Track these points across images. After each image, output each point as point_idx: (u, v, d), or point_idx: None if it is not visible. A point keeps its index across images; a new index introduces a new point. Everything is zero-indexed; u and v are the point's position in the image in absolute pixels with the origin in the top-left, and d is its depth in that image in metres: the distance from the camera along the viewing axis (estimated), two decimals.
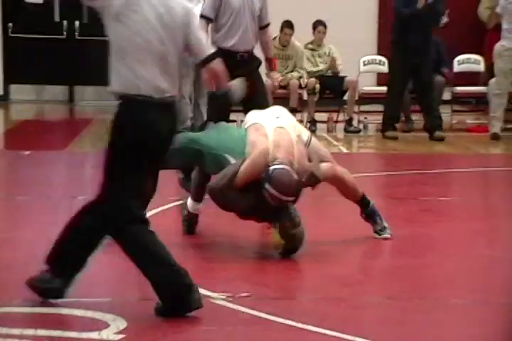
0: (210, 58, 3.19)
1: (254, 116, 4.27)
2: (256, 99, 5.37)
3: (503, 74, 8.77)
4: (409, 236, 4.51)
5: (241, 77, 5.04)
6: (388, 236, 4.32)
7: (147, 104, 3.07)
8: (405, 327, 3.08)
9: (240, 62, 5.51)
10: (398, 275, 3.86)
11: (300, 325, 3.05)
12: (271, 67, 5.91)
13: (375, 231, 4.30)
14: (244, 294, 3.38)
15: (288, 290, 3.53)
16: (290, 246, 3.91)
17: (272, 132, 4.05)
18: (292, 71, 9.50)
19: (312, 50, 9.60)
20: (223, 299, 3.36)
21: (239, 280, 3.68)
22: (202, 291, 3.43)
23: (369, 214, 4.30)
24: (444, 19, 8.64)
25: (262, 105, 5.12)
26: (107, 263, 3.99)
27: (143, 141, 3.09)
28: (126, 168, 3.10)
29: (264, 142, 4.00)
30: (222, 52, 5.13)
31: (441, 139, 8.74)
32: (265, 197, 3.82)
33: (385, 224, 4.34)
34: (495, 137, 8.86)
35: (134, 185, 3.10)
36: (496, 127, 8.90)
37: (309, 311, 3.24)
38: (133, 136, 3.09)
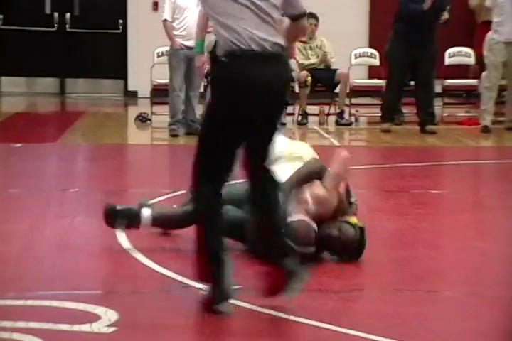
0: (304, 14, 3.20)
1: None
2: None
3: (494, 68, 8.79)
4: (400, 229, 4.52)
5: None
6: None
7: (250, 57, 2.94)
8: (396, 320, 3.09)
9: None
10: (390, 268, 3.87)
11: (292, 318, 3.05)
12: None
13: None
14: (235, 286, 3.38)
15: None
16: (344, 257, 3.79)
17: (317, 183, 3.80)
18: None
19: (304, 42, 9.58)
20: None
21: None
22: (193, 283, 3.42)
23: None
24: (445, 15, 8.61)
25: None
26: (98, 256, 3.99)
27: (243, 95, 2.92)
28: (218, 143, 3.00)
29: (317, 184, 3.79)
30: None
31: (432, 133, 8.76)
32: None
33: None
34: (485, 130, 8.88)
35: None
36: (487, 120, 8.92)
37: (301, 304, 3.24)
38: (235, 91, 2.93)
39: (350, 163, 3.98)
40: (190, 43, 7.99)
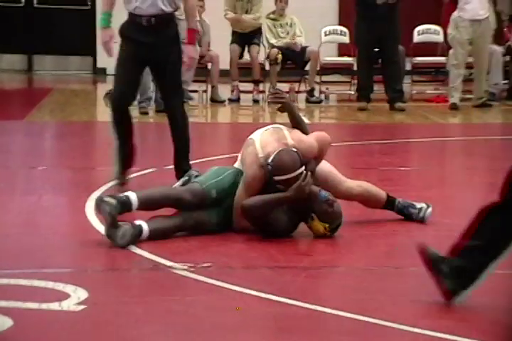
0: None
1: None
2: (165, 76, 4.72)
3: (460, 45, 8.84)
4: None
5: (149, 45, 4.52)
6: (429, 212, 4.19)
7: None
8: (363, 295, 3.12)
9: (146, 28, 4.66)
10: (357, 245, 3.90)
11: (262, 295, 3.07)
12: (186, 40, 4.80)
13: (418, 220, 4.19)
14: (206, 264, 3.39)
15: (249, 260, 3.54)
16: (335, 224, 3.86)
17: (258, 137, 3.96)
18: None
19: (274, 20, 9.53)
20: (185, 269, 3.37)
21: (200, 251, 3.68)
22: (163, 262, 3.43)
23: (400, 211, 4.20)
24: None
25: (171, 85, 4.68)
26: (67, 233, 3.97)
27: None
28: None
29: (251, 151, 3.89)
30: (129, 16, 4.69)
31: (401, 110, 8.80)
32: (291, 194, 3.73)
33: (419, 206, 4.22)
34: (454, 107, 8.95)
35: None
36: (455, 97, 8.98)
37: (270, 280, 3.26)
38: None
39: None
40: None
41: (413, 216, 4.21)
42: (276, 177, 3.81)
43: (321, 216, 3.85)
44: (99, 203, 3.72)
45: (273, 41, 9.42)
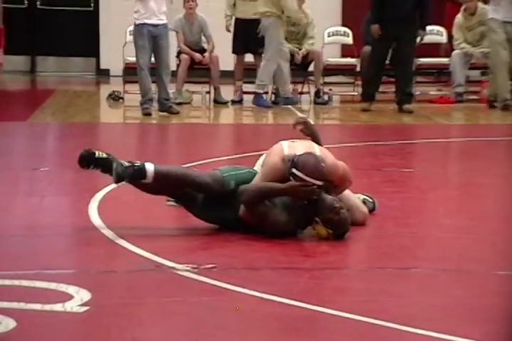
0: None
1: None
2: None
3: (500, 46, 8.83)
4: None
5: None
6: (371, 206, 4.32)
7: None
8: (365, 297, 3.12)
9: None
10: (360, 246, 3.91)
11: (264, 296, 3.08)
12: None
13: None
14: (209, 265, 3.39)
15: (252, 261, 3.54)
16: (339, 231, 3.85)
17: (286, 142, 4.01)
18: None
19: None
20: (187, 270, 3.37)
21: (202, 252, 3.68)
22: (166, 262, 3.43)
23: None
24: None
25: None
26: (69, 235, 3.98)
27: None
28: None
29: (277, 148, 3.95)
30: None
31: (409, 112, 8.80)
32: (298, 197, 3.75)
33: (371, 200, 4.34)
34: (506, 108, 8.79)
35: None
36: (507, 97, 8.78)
37: (273, 282, 3.26)
38: None
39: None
40: (154, 21, 7.99)
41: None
42: (294, 170, 3.80)
43: (326, 222, 3.85)
44: (115, 164, 3.79)
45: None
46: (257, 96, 9.15)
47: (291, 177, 3.81)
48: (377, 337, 2.78)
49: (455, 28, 9.67)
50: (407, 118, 8.57)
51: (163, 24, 8.23)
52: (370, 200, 4.35)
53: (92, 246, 3.73)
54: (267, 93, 9.42)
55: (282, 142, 4.04)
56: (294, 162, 3.81)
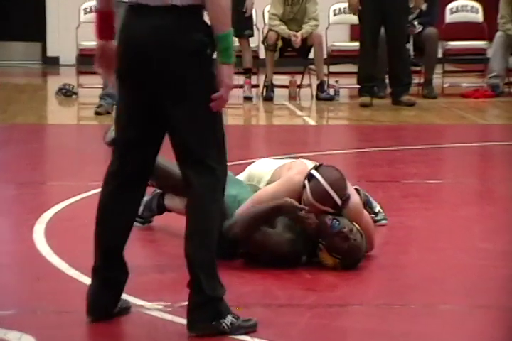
0: None
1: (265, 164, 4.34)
2: None
3: None
4: (390, 228, 4.58)
5: None
6: (384, 222, 4.50)
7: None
8: (385, 340, 3.14)
9: None
10: (376, 277, 3.93)
11: (255, 340, 3.09)
12: None
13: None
14: (184, 303, 3.40)
15: (241, 297, 3.56)
16: (349, 261, 3.90)
17: (309, 162, 4.17)
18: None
19: None
20: (159, 309, 3.38)
21: (178, 286, 3.68)
22: (134, 300, 3.44)
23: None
24: None
25: None
26: (11, 265, 3.98)
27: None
28: None
29: (302, 164, 4.14)
30: None
31: (410, 105, 8.80)
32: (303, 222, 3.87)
33: (378, 209, 4.55)
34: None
35: None
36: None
37: (267, 322, 3.27)
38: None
39: None
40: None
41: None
42: (313, 172, 3.93)
43: (331, 249, 3.89)
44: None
45: (274, 23, 9.26)
46: None
47: (304, 190, 3.94)
48: None
49: (502, 2, 9.64)
50: (432, 116, 8.61)
51: None
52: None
53: (38, 280, 3.74)
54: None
55: (305, 160, 4.21)
56: (316, 170, 3.99)
